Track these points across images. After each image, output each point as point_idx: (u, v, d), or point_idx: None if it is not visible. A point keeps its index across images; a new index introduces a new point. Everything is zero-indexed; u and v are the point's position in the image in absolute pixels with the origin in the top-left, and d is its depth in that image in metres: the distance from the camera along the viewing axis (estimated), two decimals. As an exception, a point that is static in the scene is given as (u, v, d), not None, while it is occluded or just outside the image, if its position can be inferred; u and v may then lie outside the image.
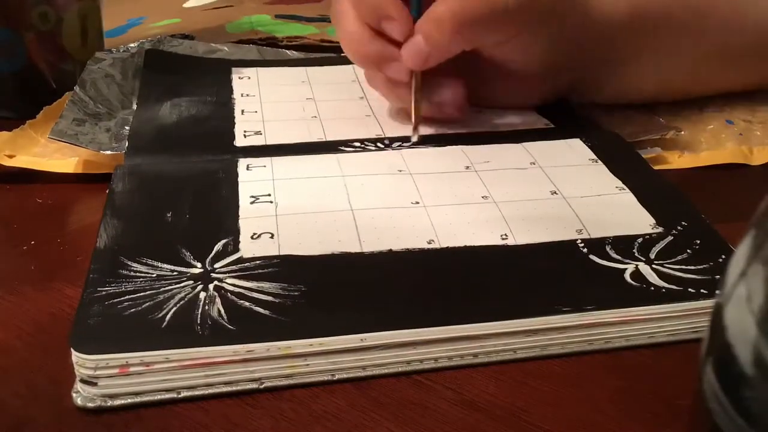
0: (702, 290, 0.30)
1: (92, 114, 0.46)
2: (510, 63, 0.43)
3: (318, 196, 0.37)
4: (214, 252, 0.32)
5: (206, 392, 0.27)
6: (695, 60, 0.48)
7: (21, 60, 0.50)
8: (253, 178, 0.38)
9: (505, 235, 0.34)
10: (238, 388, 0.27)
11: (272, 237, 0.33)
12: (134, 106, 0.47)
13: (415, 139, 0.43)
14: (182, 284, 0.30)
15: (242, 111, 0.47)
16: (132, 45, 0.56)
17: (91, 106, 0.47)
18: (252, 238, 0.33)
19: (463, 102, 0.43)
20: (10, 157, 0.42)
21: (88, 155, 0.42)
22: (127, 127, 0.45)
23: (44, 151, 0.44)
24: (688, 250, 0.33)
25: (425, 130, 0.44)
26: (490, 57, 0.43)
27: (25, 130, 0.46)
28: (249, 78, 0.51)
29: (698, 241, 0.33)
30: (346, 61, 0.49)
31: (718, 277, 0.31)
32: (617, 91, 0.48)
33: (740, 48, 0.48)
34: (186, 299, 0.29)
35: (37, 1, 0.49)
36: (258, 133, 0.44)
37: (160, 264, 0.31)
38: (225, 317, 0.28)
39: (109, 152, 0.42)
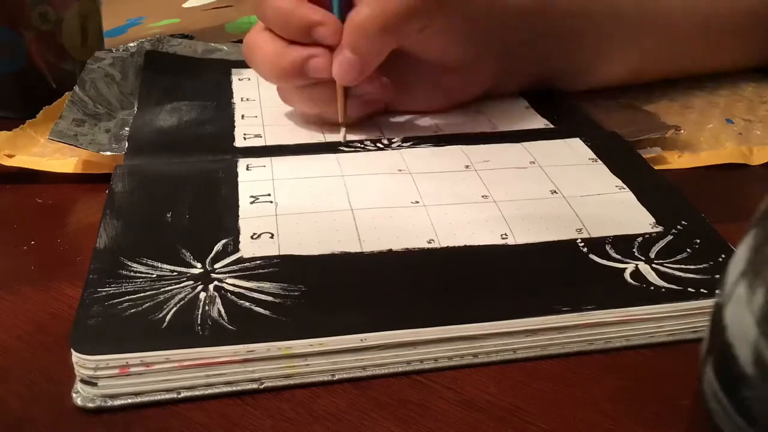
0: (702, 290, 0.30)
1: (92, 114, 0.46)
2: (432, 56, 0.43)
3: (318, 196, 0.37)
4: (214, 252, 0.32)
5: (206, 392, 0.27)
6: (611, 43, 0.49)
7: (21, 60, 0.50)
8: (253, 178, 0.38)
9: (505, 234, 0.34)
10: (238, 388, 0.27)
11: (272, 237, 0.33)
12: (135, 109, 0.47)
13: (343, 138, 0.43)
14: (182, 284, 0.30)
15: (242, 116, 0.47)
16: (131, 44, 0.56)
17: (91, 107, 0.47)
18: (252, 238, 0.33)
19: (384, 86, 0.43)
20: (10, 156, 0.42)
21: (88, 155, 0.42)
22: (126, 128, 0.45)
23: (44, 150, 0.44)
24: (688, 250, 0.33)
25: (407, 132, 0.44)
26: (412, 55, 0.43)
27: (24, 130, 0.46)
28: (249, 79, 0.51)
29: (698, 241, 0.33)
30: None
31: (717, 276, 0.31)
32: (541, 80, 0.49)
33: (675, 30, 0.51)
34: (186, 299, 0.29)
35: (37, 0, 0.49)
36: (258, 136, 0.44)
37: (160, 264, 0.31)
38: (225, 317, 0.28)
39: (109, 153, 0.42)
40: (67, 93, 0.50)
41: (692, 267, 0.32)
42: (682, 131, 0.45)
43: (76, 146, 0.42)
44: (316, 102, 0.43)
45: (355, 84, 0.41)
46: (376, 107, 0.45)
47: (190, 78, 0.51)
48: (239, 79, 0.51)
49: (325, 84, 0.41)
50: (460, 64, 0.45)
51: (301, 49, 0.40)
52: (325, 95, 0.42)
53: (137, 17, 0.73)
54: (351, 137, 0.43)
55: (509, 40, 0.46)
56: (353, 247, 0.33)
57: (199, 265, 0.31)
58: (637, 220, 0.35)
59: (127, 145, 0.42)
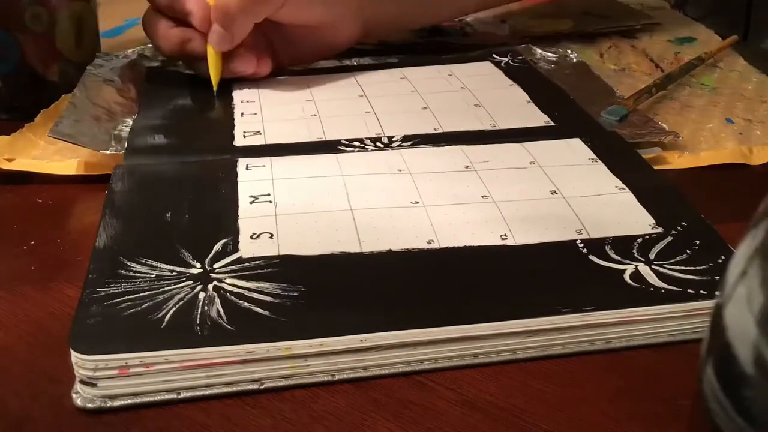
0: (702, 291, 0.30)
1: (92, 116, 0.46)
2: (300, 22, 0.51)
3: (317, 196, 0.37)
4: (213, 252, 0.32)
5: (206, 393, 0.27)
6: None
7: (14, 61, 0.50)
8: (252, 177, 0.38)
9: (505, 235, 0.34)
10: (239, 388, 0.27)
11: (272, 237, 0.33)
12: (135, 111, 0.47)
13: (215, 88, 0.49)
14: (181, 284, 0.30)
15: (242, 113, 0.47)
16: (130, 51, 0.56)
17: (91, 108, 0.47)
18: (251, 238, 0.33)
19: (257, 62, 0.50)
20: (10, 160, 0.42)
21: (87, 156, 0.42)
22: (126, 128, 0.45)
23: (43, 153, 0.44)
24: (688, 251, 0.33)
25: (408, 129, 0.44)
26: (287, 22, 0.50)
27: (23, 134, 0.46)
28: (248, 89, 0.51)
29: (698, 242, 0.33)
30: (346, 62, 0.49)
31: (717, 277, 0.31)
32: (398, 23, 0.60)
33: None
34: (185, 300, 0.29)
35: (30, 1, 0.49)
36: (257, 133, 0.44)
37: (159, 264, 0.31)
38: (224, 318, 0.28)
39: (109, 152, 0.42)
40: (64, 95, 0.50)
41: (692, 268, 0.32)
42: (680, 138, 0.45)
43: (75, 144, 0.42)
44: (200, 72, 0.50)
45: (228, 49, 0.48)
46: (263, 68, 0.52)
47: (190, 86, 0.51)
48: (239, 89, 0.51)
49: (205, 60, 0.49)
50: (327, 24, 0.52)
51: (180, 32, 0.48)
52: (205, 68, 0.49)
53: (135, 18, 0.73)
54: (342, 136, 0.43)
55: (365, 3, 0.53)
56: (353, 248, 0.33)
57: (198, 265, 0.31)
58: (637, 220, 0.35)
59: (126, 145, 0.42)
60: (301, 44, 0.53)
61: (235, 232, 0.34)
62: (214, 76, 0.49)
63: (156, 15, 0.49)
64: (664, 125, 0.46)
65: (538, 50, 0.58)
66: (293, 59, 0.54)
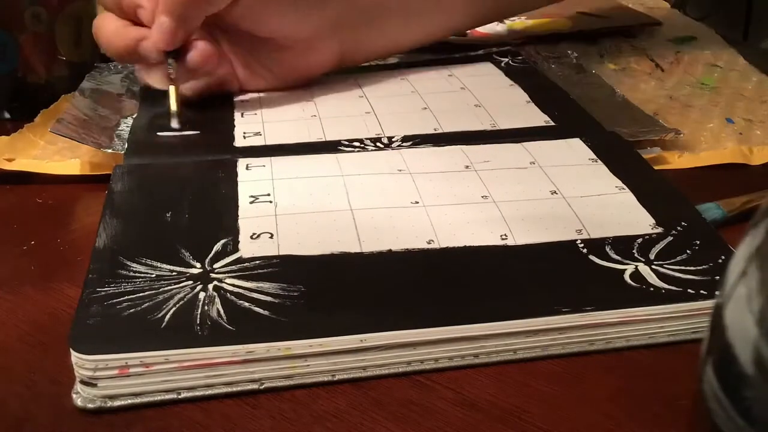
0: (702, 291, 0.30)
1: (93, 116, 0.46)
2: (268, 29, 0.46)
3: (317, 196, 0.37)
4: (213, 252, 0.32)
5: (206, 393, 0.27)
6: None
7: (14, 61, 0.50)
8: (252, 177, 0.38)
9: (505, 235, 0.34)
10: (239, 388, 0.27)
11: (271, 237, 0.33)
12: (135, 112, 0.47)
13: (175, 124, 0.44)
14: (181, 284, 0.30)
15: (242, 114, 0.47)
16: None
17: (92, 109, 0.47)
18: (251, 238, 0.33)
19: (211, 52, 0.45)
20: (10, 160, 0.42)
21: (88, 156, 0.42)
22: (127, 128, 0.45)
23: (43, 153, 0.44)
24: (688, 251, 0.33)
25: (408, 129, 0.44)
26: (250, 30, 0.46)
27: (23, 134, 0.46)
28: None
29: (698, 242, 0.33)
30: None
31: (717, 277, 0.31)
32: (379, 51, 0.53)
33: None
34: (185, 299, 0.29)
35: (30, 2, 0.49)
36: (257, 134, 0.44)
37: (159, 264, 0.31)
38: (224, 318, 0.28)
39: (109, 151, 0.42)
40: (64, 95, 0.50)
41: (692, 268, 0.32)
42: (682, 134, 0.45)
43: (76, 141, 0.42)
44: (156, 82, 0.46)
45: (172, 48, 0.43)
46: (221, 87, 0.48)
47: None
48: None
49: (161, 66, 0.44)
50: (298, 41, 0.47)
51: (134, 31, 0.44)
52: (163, 77, 0.45)
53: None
54: (342, 137, 0.43)
55: (344, 20, 0.48)
56: (353, 248, 0.33)
57: (198, 265, 0.31)
58: (637, 220, 0.35)
59: (126, 145, 0.42)
60: (267, 64, 0.49)
61: (235, 232, 0.34)
62: (174, 102, 0.44)
63: (107, 16, 0.45)
64: (665, 124, 0.46)
65: (538, 50, 0.58)
66: (253, 81, 0.49)
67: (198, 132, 0.44)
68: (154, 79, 0.45)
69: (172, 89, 0.44)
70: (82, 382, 0.27)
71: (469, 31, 0.64)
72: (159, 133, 0.44)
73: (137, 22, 0.44)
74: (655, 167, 0.41)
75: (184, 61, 0.44)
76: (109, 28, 0.44)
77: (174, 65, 0.44)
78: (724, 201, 0.37)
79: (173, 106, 0.44)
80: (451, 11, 0.53)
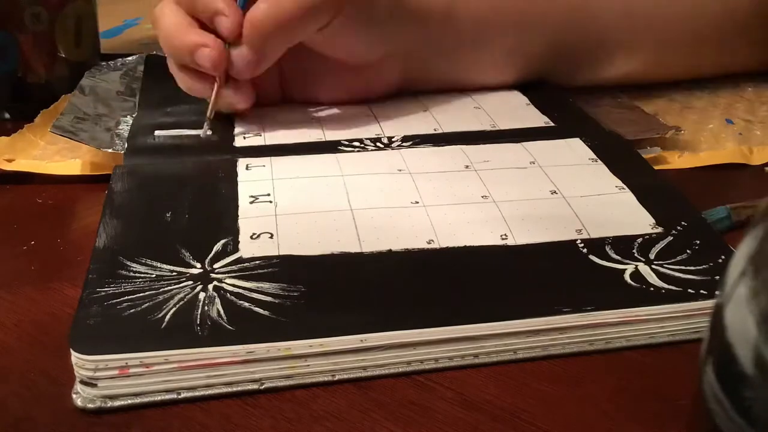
0: (702, 291, 0.30)
1: (92, 114, 0.46)
2: (335, 54, 0.44)
3: (317, 196, 0.37)
4: (213, 252, 0.32)
5: (206, 393, 0.27)
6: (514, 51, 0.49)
7: (14, 61, 0.50)
8: (252, 177, 0.38)
9: (505, 235, 0.34)
10: (239, 388, 0.27)
11: (272, 237, 0.33)
12: (135, 111, 0.47)
13: (205, 132, 0.43)
14: (182, 285, 0.30)
15: None
16: (129, 59, 0.56)
17: (92, 108, 0.47)
18: (251, 238, 0.33)
19: (249, 99, 0.44)
20: (10, 161, 0.42)
21: (88, 156, 0.42)
22: (126, 127, 0.45)
23: (44, 153, 0.44)
24: (688, 251, 0.33)
25: (408, 129, 0.44)
26: (319, 51, 0.44)
27: (23, 134, 0.46)
28: None
29: (698, 242, 0.33)
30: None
31: (717, 277, 0.31)
32: (445, 82, 0.49)
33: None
34: (185, 300, 0.29)
35: (30, 1, 0.49)
36: (257, 134, 0.44)
37: (159, 264, 0.31)
38: (224, 318, 0.28)
39: (109, 150, 0.42)
40: (63, 95, 0.50)
41: (692, 268, 0.32)
42: (682, 131, 0.45)
43: (76, 140, 0.42)
44: (191, 88, 0.43)
45: (248, 78, 0.42)
46: (266, 101, 0.46)
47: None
48: None
49: (206, 76, 0.42)
50: (364, 64, 0.45)
51: (196, 35, 0.41)
52: (201, 87, 0.43)
53: (134, 18, 0.73)
54: (341, 137, 0.43)
55: (415, 46, 0.46)
56: (353, 248, 0.33)
57: (198, 265, 0.31)
58: (637, 220, 0.35)
59: (126, 145, 0.42)
60: (321, 81, 0.47)
61: (235, 232, 0.34)
62: (212, 104, 0.43)
63: (173, 7, 0.42)
64: (664, 121, 0.46)
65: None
66: (305, 93, 0.48)
67: (194, 131, 0.44)
68: (191, 86, 0.44)
69: (213, 100, 0.43)
70: (82, 382, 0.27)
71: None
72: (157, 133, 0.44)
73: (202, 22, 0.41)
74: (655, 167, 0.41)
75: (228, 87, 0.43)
76: (171, 20, 0.41)
77: (222, 76, 0.42)
78: (733, 209, 0.37)
79: (209, 114, 0.43)
80: (522, 64, 0.50)
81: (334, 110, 0.47)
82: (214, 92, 0.42)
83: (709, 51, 0.53)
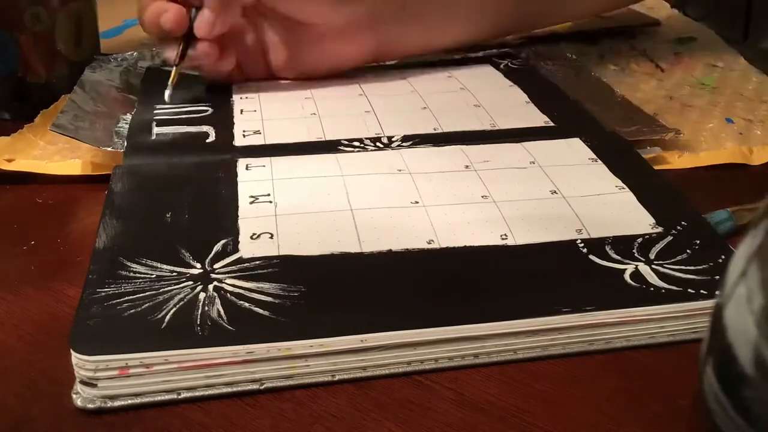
0: (702, 290, 0.30)
1: (92, 112, 0.46)
2: (305, 13, 0.48)
3: (317, 196, 0.37)
4: (213, 252, 0.32)
5: (206, 393, 0.27)
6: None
7: (14, 61, 0.50)
8: (252, 177, 0.38)
9: (505, 235, 0.34)
10: (239, 388, 0.27)
11: (272, 237, 0.33)
12: (134, 110, 0.47)
13: (166, 98, 0.48)
14: (182, 285, 0.30)
15: (241, 110, 0.47)
16: (128, 54, 0.56)
17: (91, 105, 0.47)
18: (251, 238, 0.33)
19: (208, 52, 0.47)
20: (10, 161, 0.42)
21: (88, 156, 0.42)
22: (126, 125, 0.45)
23: (43, 153, 0.44)
24: (688, 251, 0.33)
25: (407, 129, 0.44)
26: (285, 12, 0.48)
27: (23, 134, 0.46)
28: (247, 85, 0.51)
29: (698, 241, 0.33)
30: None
31: (717, 277, 0.31)
32: (418, 45, 0.53)
33: None
34: (185, 300, 0.29)
35: (30, 2, 0.49)
36: (257, 132, 0.44)
37: (159, 265, 0.31)
38: (224, 318, 0.28)
39: (109, 149, 0.42)
40: (64, 95, 0.50)
41: (692, 268, 0.32)
42: (682, 134, 0.45)
43: (76, 139, 0.42)
44: (168, 57, 0.48)
45: (209, 37, 0.46)
46: (254, 72, 0.51)
47: (188, 84, 0.51)
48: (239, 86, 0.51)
49: (176, 42, 0.47)
50: (336, 29, 0.49)
51: (160, 3, 0.46)
52: (173, 53, 0.48)
53: (133, 18, 0.73)
54: (341, 136, 0.43)
55: (381, 7, 0.49)
56: (353, 248, 0.33)
57: (198, 265, 0.31)
58: (637, 220, 0.35)
59: (126, 145, 0.42)
60: (303, 51, 0.50)
61: (235, 233, 0.34)
62: (172, 78, 0.48)
63: None
64: (664, 123, 0.46)
65: (538, 51, 0.58)
66: (289, 67, 0.51)
67: (194, 129, 0.44)
68: (169, 54, 0.48)
69: (176, 59, 0.47)
70: (82, 383, 0.27)
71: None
72: (156, 129, 0.44)
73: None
74: (655, 167, 0.41)
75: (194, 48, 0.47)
76: (146, 1, 0.47)
77: (179, 49, 0.47)
78: (735, 212, 0.37)
79: (170, 81, 0.48)
80: (494, 14, 0.53)
81: (334, 108, 0.47)
82: (177, 54, 0.47)
83: None
